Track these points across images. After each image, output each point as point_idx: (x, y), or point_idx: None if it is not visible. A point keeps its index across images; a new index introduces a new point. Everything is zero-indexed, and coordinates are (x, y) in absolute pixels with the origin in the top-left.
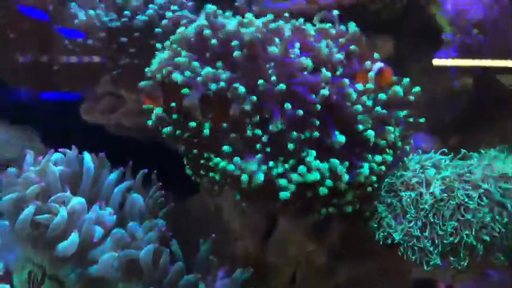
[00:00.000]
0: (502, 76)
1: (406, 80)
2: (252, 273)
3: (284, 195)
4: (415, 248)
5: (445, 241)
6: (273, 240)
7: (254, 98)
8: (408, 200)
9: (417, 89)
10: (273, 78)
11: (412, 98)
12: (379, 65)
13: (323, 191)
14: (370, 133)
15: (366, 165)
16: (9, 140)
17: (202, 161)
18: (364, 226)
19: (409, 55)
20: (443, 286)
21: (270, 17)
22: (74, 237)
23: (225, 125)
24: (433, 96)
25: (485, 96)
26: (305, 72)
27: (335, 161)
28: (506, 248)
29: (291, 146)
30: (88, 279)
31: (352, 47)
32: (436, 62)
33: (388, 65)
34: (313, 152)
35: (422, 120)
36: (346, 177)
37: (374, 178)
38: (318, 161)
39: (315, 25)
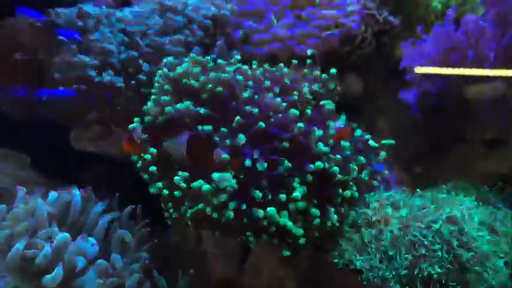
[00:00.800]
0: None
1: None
2: None
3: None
4: (375, 275)
5: (401, 273)
6: (248, 266)
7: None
8: (369, 236)
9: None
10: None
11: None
12: (338, 124)
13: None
14: (335, 169)
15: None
16: (3, 168)
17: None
18: (327, 256)
19: (377, 92)
20: None
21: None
22: (58, 271)
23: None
24: (398, 129)
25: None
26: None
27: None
28: (455, 282)
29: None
30: None
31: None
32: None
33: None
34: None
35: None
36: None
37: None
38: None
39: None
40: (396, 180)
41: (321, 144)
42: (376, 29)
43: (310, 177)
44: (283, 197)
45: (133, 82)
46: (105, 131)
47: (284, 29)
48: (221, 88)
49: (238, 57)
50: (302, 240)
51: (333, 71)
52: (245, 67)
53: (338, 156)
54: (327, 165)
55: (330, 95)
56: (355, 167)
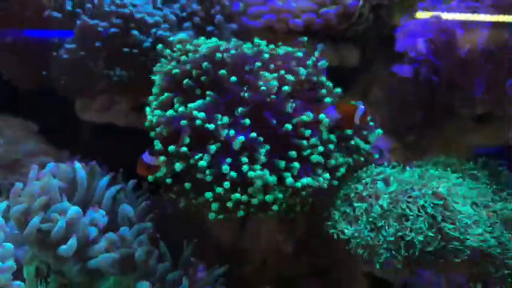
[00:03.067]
0: None
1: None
2: (228, 259)
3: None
4: (363, 243)
5: (388, 239)
6: (246, 231)
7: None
8: (361, 210)
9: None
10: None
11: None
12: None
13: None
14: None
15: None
16: (13, 138)
17: None
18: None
19: (372, 64)
20: None
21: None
22: (72, 241)
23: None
24: (391, 100)
25: (435, 104)
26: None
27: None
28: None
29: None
30: (87, 271)
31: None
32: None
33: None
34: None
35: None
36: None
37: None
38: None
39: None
40: (389, 148)
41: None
42: (374, 3)
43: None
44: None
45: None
46: (109, 101)
47: (282, 2)
48: (225, 71)
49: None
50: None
51: (320, 47)
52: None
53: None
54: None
55: (320, 73)
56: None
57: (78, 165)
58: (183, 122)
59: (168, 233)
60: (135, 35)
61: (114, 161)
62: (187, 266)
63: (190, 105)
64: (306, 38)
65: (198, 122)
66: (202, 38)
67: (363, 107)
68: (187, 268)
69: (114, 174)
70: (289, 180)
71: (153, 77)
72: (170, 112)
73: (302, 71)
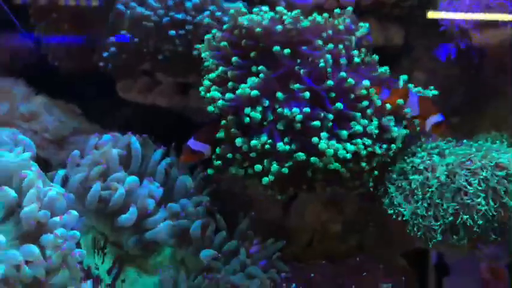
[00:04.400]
0: None
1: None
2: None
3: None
4: (421, 225)
5: (446, 220)
6: (293, 210)
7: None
8: (416, 183)
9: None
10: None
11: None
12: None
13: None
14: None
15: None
16: (61, 117)
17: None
18: (378, 203)
19: (417, 44)
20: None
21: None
22: (133, 211)
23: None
24: (434, 80)
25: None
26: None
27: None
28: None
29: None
30: (144, 243)
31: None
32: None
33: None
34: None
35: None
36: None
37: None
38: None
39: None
40: None
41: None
42: None
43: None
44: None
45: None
46: (152, 82)
47: None
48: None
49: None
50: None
51: (366, 24)
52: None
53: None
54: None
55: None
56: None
57: (133, 137)
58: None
59: (222, 207)
60: (184, 10)
61: (158, 141)
62: (243, 238)
63: (247, 84)
64: (351, 8)
65: (253, 98)
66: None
67: (416, 91)
68: (243, 241)
69: (166, 149)
70: (352, 148)
71: (203, 53)
72: (229, 95)
73: (354, 44)
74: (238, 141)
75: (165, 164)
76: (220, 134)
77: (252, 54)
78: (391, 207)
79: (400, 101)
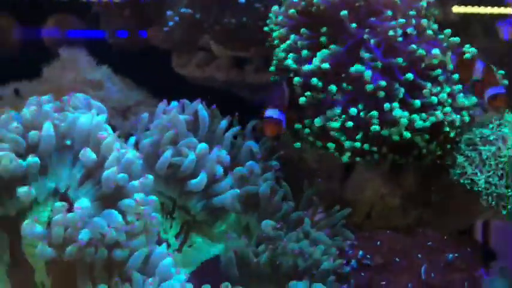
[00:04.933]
0: None
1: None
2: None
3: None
4: (494, 194)
5: None
6: (350, 182)
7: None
8: (488, 153)
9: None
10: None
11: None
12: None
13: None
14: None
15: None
16: (123, 88)
17: None
18: (445, 174)
19: (473, 21)
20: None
21: None
22: (202, 176)
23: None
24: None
25: None
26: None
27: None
28: None
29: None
30: (211, 209)
31: None
32: None
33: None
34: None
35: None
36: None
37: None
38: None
39: None
40: None
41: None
42: None
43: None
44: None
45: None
46: (209, 56)
47: None
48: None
49: None
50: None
51: None
52: None
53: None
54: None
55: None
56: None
57: (200, 105)
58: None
59: (288, 176)
60: None
61: None
62: (308, 206)
63: (317, 58)
64: None
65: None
66: None
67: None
68: (307, 209)
69: (231, 119)
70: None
71: (273, 24)
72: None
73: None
74: (317, 121)
75: (232, 133)
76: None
77: (322, 27)
78: (461, 177)
79: (468, 68)
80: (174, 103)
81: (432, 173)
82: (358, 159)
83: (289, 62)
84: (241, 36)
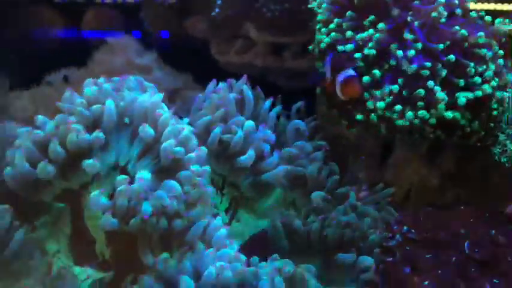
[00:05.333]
0: None
1: None
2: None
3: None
4: None
5: None
6: (391, 163)
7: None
8: None
9: None
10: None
11: None
12: None
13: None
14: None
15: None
16: (169, 73)
17: None
18: (485, 154)
19: None
20: None
21: None
22: (251, 153)
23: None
24: None
25: None
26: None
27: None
28: None
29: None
30: (258, 185)
31: None
32: None
33: None
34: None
35: None
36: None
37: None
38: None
39: None
40: None
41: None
42: None
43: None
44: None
45: None
46: (247, 43)
47: None
48: None
49: None
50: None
51: None
52: None
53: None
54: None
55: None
56: None
57: (245, 86)
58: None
59: (332, 154)
60: None
61: None
62: (353, 183)
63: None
64: None
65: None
66: None
67: None
68: (353, 185)
69: (274, 100)
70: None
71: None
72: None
73: None
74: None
75: (276, 112)
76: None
77: (366, 11)
78: (502, 155)
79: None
80: (223, 84)
81: (471, 153)
82: (399, 138)
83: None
84: (282, 22)
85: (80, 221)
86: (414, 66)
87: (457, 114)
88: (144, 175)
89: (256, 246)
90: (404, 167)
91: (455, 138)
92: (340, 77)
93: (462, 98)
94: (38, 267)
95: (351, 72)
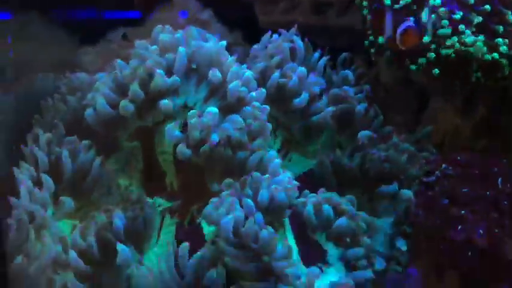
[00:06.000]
0: None
1: None
2: None
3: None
4: None
5: None
6: (425, 115)
7: None
8: None
9: None
10: None
11: None
12: None
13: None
14: None
15: None
16: (224, 28)
17: None
18: None
19: None
20: None
21: None
22: (305, 95)
23: None
24: None
25: None
26: None
27: None
28: None
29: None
30: (308, 128)
31: None
32: None
33: None
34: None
35: None
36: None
37: None
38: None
39: None
40: None
41: None
42: None
43: None
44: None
45: None
46: (293, 3)
47: None
48: None
49: None
50: None
51: None
52: None
53: None
54: None
55: None
56: None
57: (295, 36)
58: None
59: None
60: None
61: None
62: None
63: None
64: None
65: None
66: None
67: None
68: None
69: (322, 51)
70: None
71: None
72: None
73: None
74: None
75: (324, 61)
76: None
77: None
78: None
79: None
80: (275, 35)
81: (505, 105)
82: (436, 89)
83: None
84: None
85: (152, 156)
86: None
87: (496, 55)
88: (212, 110)
89: (305, 183)
90: (440, 117)
91: (494, 82)
92: (400, 29)
93: (503, 46)
94: (116, 197)
95: (410, 22)
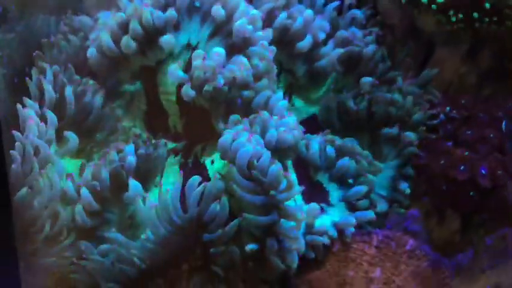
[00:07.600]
0: None
1: None
2: None
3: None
4: None
5: None
6: (432, 61)
7: None
8: None
9: None
10: None
11: None
12: None
13: None
14: None
15: None
16: None
17: None
18: None
19: None
20: None
21: None
22: (308, 38)
23: None
24: None
25: None
26: None
27: None
28: None
29: None
30: (313, 73)
31: None
32: None
33: None
34: None
35: None
36: None
37: None
38: None
39: None
40: None
41: None
42: None
43: None
44: None
45: None
46: None
47: None
48: None
49: None
50: None
51: None
52: None
53: None
54: None
55: None
56: None
57: None
58: None
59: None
60: None
61: None
62: (401, 68)
63: None
64: None
65: None
66: None
67: None
68: (401, 68)
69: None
70: None
71: None
72: None
73: None
74: None
75: (332, 6)
76: None
77: None
78: None
79: None
80: None
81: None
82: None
83: None
84: None
85: (155, 97)
86: None
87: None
88: (219, 50)
89: (309, 127)
90: (445, 65)
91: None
92: None
93: None
94: (121, 137)
95: None
